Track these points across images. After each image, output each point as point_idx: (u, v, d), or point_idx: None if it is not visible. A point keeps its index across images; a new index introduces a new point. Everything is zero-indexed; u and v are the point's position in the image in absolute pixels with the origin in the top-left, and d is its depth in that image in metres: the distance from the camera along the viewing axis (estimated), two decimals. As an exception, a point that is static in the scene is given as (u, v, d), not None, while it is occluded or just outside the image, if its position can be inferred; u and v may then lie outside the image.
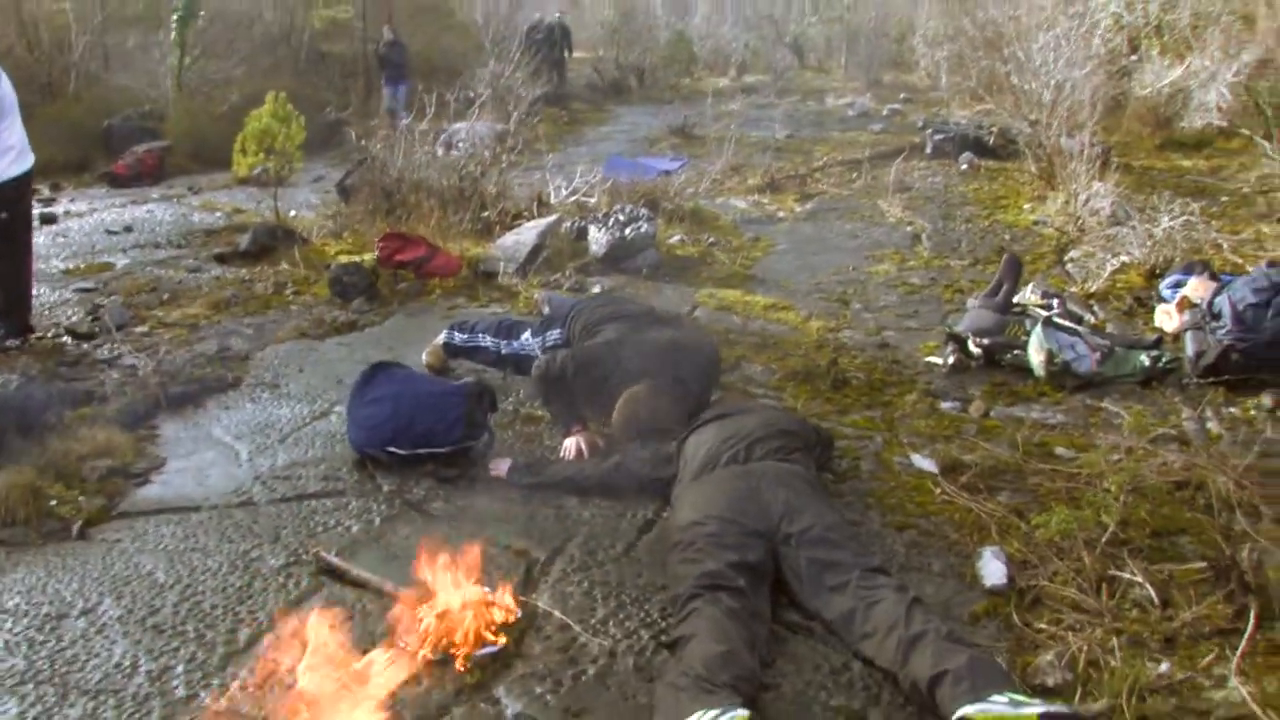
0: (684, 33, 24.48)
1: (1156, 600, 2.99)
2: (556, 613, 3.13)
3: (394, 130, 9.81)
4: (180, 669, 2.93)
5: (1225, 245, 7.05)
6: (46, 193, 11.61)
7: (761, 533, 3.16)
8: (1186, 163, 11.10)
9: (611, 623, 3.10)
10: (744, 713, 2.41)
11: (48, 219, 10.48)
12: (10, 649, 3.06)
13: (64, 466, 4.25)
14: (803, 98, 19.24)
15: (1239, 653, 2.73)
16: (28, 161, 5.87)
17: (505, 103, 10.86)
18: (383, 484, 4.09)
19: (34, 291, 6.46)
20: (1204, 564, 3.14)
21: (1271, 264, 5.40)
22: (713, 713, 2.40)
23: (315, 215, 9.77)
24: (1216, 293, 4.94)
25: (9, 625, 3.19)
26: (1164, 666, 2.70)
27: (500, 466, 4.09)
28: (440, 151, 9.31)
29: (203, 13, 16.81)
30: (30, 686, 2.88)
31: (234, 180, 12.72)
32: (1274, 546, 3.08)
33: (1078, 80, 9.30)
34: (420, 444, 4.18)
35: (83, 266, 8.36)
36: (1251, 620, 2.83)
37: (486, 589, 3.13)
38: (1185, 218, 6.53)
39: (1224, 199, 9.04)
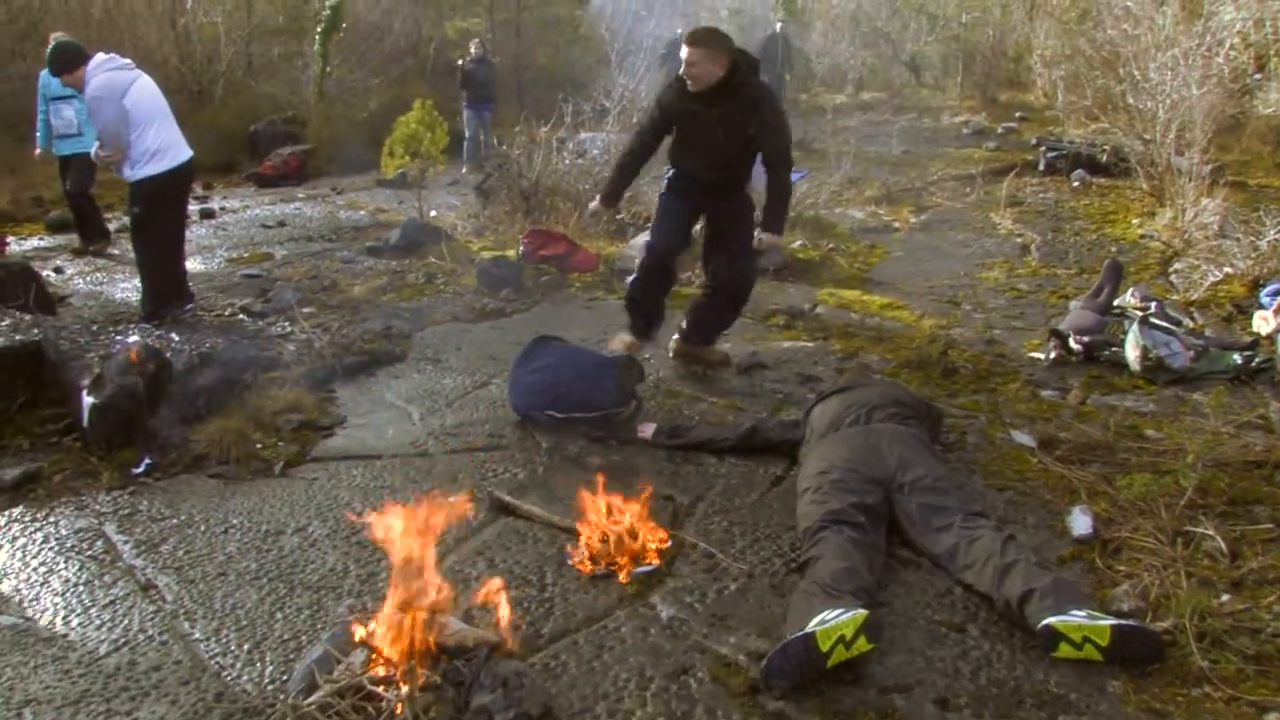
0: (802, 50, 24.85)
1: (1226, 551, 3.43)
2: (701, 543, 3.70)
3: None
4: (384, 575, 3.54)
5: (1332, 259, 7.28)
6: (200, 190, 12.61)
7: (880, 480, 3.68)
8: (1306, 182, 11.17)
9: (749, 552, 3.66)
10: (864, 612, 2.92)
11: (206, 214, 11.53)
12: (242, 553, 3.76)
13: (261, 418, 4.99)
14: (919, 115, 19.49)
15: (1296, 595, 3.17)
16: (163, 164, 6.42)
17: (630, 115, 11.45)
18: (542, 442, 4.70)
19: (186, 279, 7.13)
20: (1273, 525, 3.56)
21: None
22: (837, 611, 2.92)
23: (455, 215, 10.54)
24: (1310, 296, 5.30)
25: (237, 536, 3.91)
26: (1226, 597, 3.15)
27: (646, 430, 4.67)
28: (569, 160, 9.98)
29: (345, 25, 17.82)
30: (264, 581, 3.57)
31: (374, 182, 13.63)
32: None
33: (1194, 100, 9.49)
34: (577, 408, 4.79)
35: (246, 255, 9.25)
36: (1310, 569, 3.26)
37: (642, 523, 3.71)
38: (1291, 228, 6.82)
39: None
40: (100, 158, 6.51)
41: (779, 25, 19.07)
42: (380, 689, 2.54)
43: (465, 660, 2.66)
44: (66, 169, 9.16)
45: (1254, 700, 2.70)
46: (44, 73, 8.45)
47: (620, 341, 5.76)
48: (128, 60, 6.55)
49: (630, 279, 5.78)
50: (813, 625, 2.86)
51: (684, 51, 4.94)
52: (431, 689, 2.55)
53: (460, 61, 15.23)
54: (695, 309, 5.68)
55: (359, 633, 2.75)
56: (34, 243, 10.11)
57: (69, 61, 6.28)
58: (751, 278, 5.67)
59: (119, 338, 5.07)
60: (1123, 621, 2.94)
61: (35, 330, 5.24)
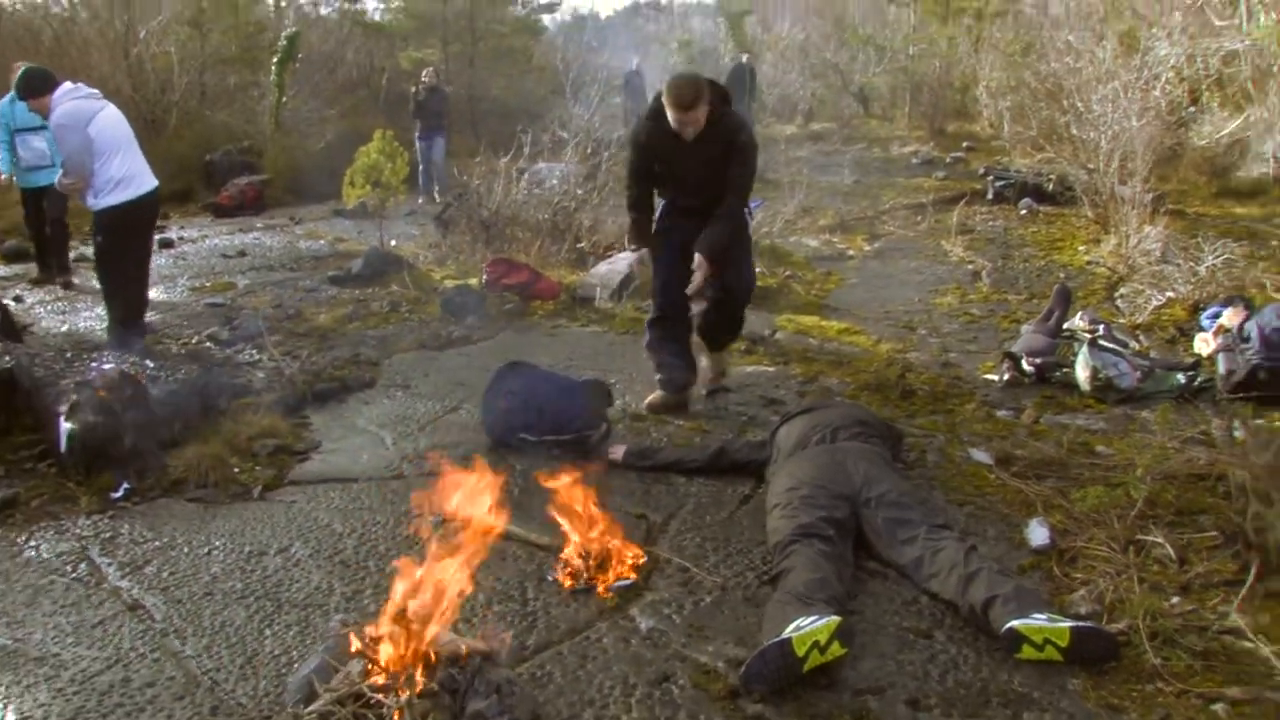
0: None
1: (1175, 557, 3.63)
2: (676, 559, 3.83)
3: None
4: (369, 592, 3.65)
5: (1269, 284, 7.58)
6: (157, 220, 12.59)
7: (846, 496, 3.84)
8: (1241, 209, 11.55)
9: (722, 566, 3.79)
10: (837, 618, 3.06)
11: (165, 243, 11.48)
12: (227, 574, 3.84)
13: (236, 443, 5.07)
14: (868, 145, 19.90)
15: (1240, 597, 3.35)
16: (126, 194, 6.47)
17: (584, 146, 11.61)
18: (515, 464, 4.81)
19: (147, 310, 7.22)
20: (1217, 533, 3.76)
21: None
22: (811, 618, 3.06)
23: (416, 245, 10.63)
24: (1246, 319, 5.54)
25: (220, 557, 3.98)
26: (1175, 599, 3.34)
27: (617, 451, 4.80)
28: (528, 190, 10.11)
29: (301, 55, 17.87)
30: (251, 600, 3.65)
31: (332, 212, 13.67)
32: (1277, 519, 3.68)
33: (1134, 131, 9.83)
34: (548, 431, 4.91)
35: (208, 285, 9.28)
36: (1253, 573, 3.46)
37: (617, 540, 3.83)
38: (1226, 256, 7.10)
39: (1274, 243, 9.53)
40: (63, 185, 6.56)
41: (745, 57, 19.24)
42: (380, 696, 2.63)
43: (459, 668, 2.75)
44: (38, 200, 9.07)
45: (1202, 693, 2.88)
46: (3, 101, 8.46)
47: (656, 400, 5.59)
48: (94, 90, 6.61)
49: (646, 338, 5.68)
50: (788, 631, 2.99)
51: (673, 114, 4.95)
52: (429, 696, 2.65)
53: (414, 89, 15.25)
54: (703, 323, 5.64)
55: (354, 644, 2.84)
56: (-12, 273, 10.05)
57: (37, 87, 6.33)
58: (754, 281, 5.79)
59: (93, 364, 5.11)
60: (1080, 623, 3.11)
61: (6, 358, 5.26)
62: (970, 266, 9.25)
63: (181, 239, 11.95)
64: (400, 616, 2.76)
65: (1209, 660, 3.04)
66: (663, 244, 5.45)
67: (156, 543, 4.09)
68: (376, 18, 23.40)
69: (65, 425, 4.62)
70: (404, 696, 2.60)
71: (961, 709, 2.88)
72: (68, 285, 9.26)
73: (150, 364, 5.51)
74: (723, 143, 5.09)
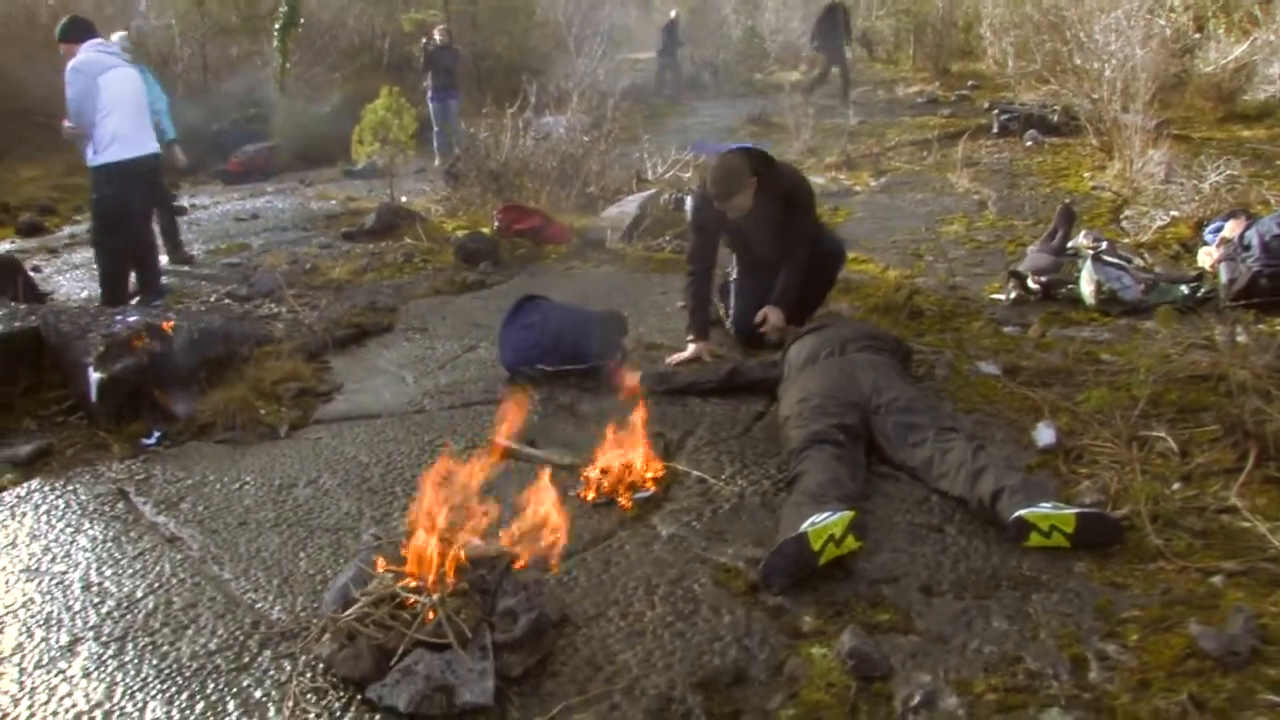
0: (755, 29, 25.14)
1: (1176, 450, 3.73)
2: (694, 471, 3.95)
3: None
4: (397, 515, 3.78)
5: (1273, 201, 7.59)
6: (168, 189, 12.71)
7: (856, 404, 3.95)
8: (1247, 133, 11.51)
9: (739, 476, 3.91)
10: (851, 512, 3.17)
11: (178, 210, 11.52)
12: (259, 505, 3.98)
13: (261, 388, 5.20)
14: (873, 87, 19.80)
15: (1239, 482, 3.46)
16: (124, 152, 6.65)
17: (590, 98, 11.66)
18: (534, 394, 4.93)
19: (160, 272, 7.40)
20: (1217, 426, 3.86)
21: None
22: (825, 513, 3.17)
23: (427, 199, 10.72)
24: (1247, 228, 5.60)
25: (252, 491, 4.13)
26: (1176, 485, 3.45)
27: (634, 377, 4.91)
28: (535, 142, 10.18)
29: (302, 20, 17.89)
30: (284, 528, 3.79)
31: (341, 173, 13.75)
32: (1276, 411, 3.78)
33: (1138, 59, 9.80)
34: (565, 361, 5.03)
35: (224, 247, 9.41)
36: (1251, 459, 3.56)
37: (636, 453, 3.95)
38: (1229, 173, 7.14)
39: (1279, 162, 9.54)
40: (66, 130, 6.71)
41: None
42: (414, 597, 2.76)
43: (489, 569, 2.89)
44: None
45: (1201, 567, 2.99)
46: None
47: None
48: (120, 50, 6.78)
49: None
50: (804, 527, 3.11)
51: (716, 203, 5.10)
52: (460, 595, 2.78)
53: (424, 42, 14.98)
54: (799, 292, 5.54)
55: (388, 552, 2.97)
56: (5, 246, 10.18)
57: (71, 34, 6.61)
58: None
59: (118, 318, 5.23)
60: (1086, 509, 3.22)
61: (32, 317, 5.39)
62: (976, 197, 9.27)
63: (194, 206, 12.06)
64: (430, 524, 2.89)
65: (1208, 539, 3.15)
66: (746, 279, 5.57)
67: (189, 481, 4.24)
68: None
69: (95, 375, 4.75)
70: (435, 595, 2.73)
71: (973, 592, 3.00)
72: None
73: (173, 317, 5.62)
74: (779, 200, 5.18)
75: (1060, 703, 2.48)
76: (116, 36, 8.49)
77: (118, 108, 6.59)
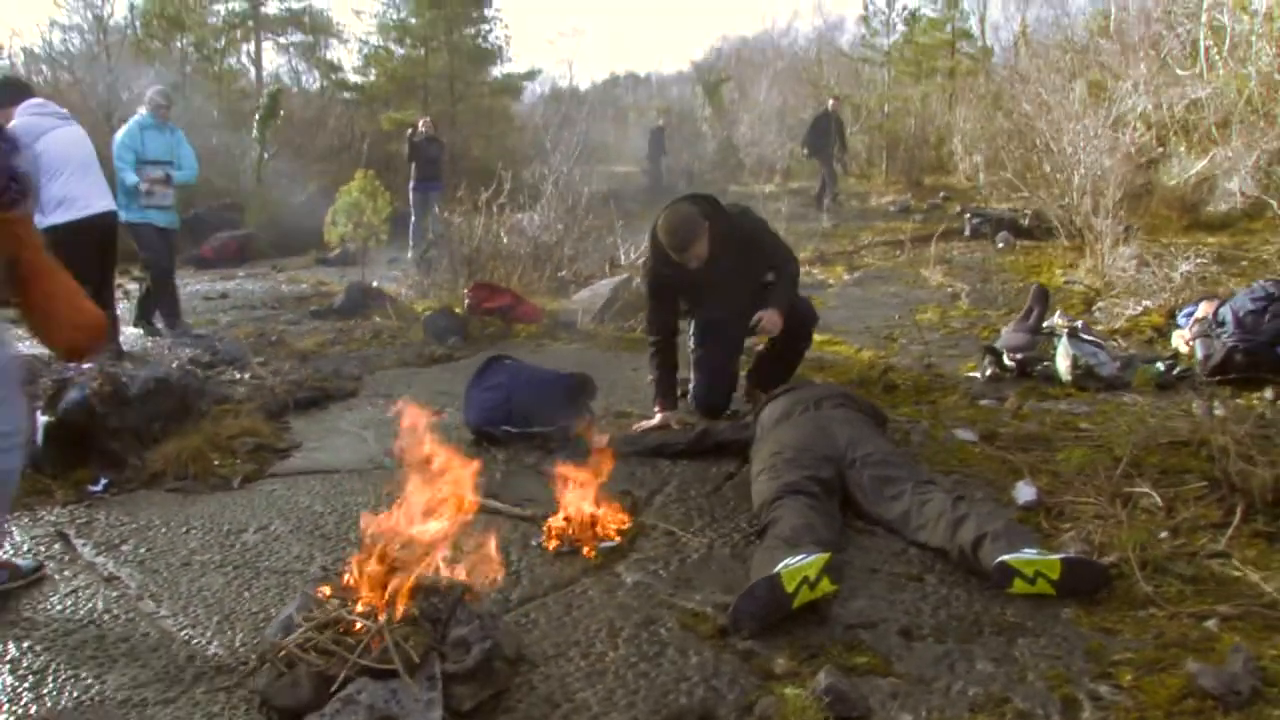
0: (730, 140, 25.63)
1: (1162, 505, 3.61)
2: (661, 524, 3.78)
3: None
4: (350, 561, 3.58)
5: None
6: (137, 272, 12.58)
7: (831, 458, 3.81)
8: (1212, 239, 11.65)
9: (707, 529, 3.75)
10: (826, 554, 3.01)
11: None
12: (205, 548, 3.78)
13: (217, 441, 5.02)
14: (847, 197, 20.10)
15: (1227, 536, 3.34)
16: (70, 214, 6.48)
17: (565, 195, 11.70)
18: (498, 455, 4.76)
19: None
20: (1204, 482, 3.74)
21: (1267, 278, 6.04)
22: (800, 555, 3.02)
23: (398, 284, 10.66)
24: (1221, 305, 5.59)
25: (199, 535, 3.93)
26: (1164, 534, 3.32)
27: (601, 439, 4.76)
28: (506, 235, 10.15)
29: (282, 112, 18.06)
30: (229, 569, 3.59)
31: (314, 260, 13.71)
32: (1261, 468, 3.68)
33: (1106, 168, 9.96)
34: (531, 423, 4.87)
35: (190, 321, 9.22)
36: (1239, 514, 3.44)
37: (601, 508, 3.79)
38: (1199, 260, 7.19)
39: (1244, 262, 9.63)
40: None
41: (831, 103, 18.90)
42: (361, 621, 2.57)
43: (440, 597, 2.70)
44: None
45: (1194, 612, 2.85)
46: (131, 124, 8.09)
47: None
48: (62, 110, 6.64)
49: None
50: (777, 568, 2.95)
51: (673, 255, 4.95)
52: (410, 621, 2.60)
53: (410, 132, 15.01)
54: (766, 362, 5.57)
55: (335, 582, 2.79)
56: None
57: (3, 98, 6.35)
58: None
59: (70, 366, 5.06)
60: (1072, 555, 3.08)
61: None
62: (949, 290, 9.32)
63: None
64: (382, 555, 2.72)
65: (1199, 585, 3.02)
66: (709, 346, 5.39)
67: (133, 525, 4.03)
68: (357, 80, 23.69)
69: (41, 418, 4.56)
70: (383, 619, 2.55)
71: (955, 637, 2.84)
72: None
73: (130, 366, 5.45)
74: (738, 248, 5.05)
75: (1052, 740, 2.31)
76: (151, 91, 8.22)
77: (60, 171, 6.44)
